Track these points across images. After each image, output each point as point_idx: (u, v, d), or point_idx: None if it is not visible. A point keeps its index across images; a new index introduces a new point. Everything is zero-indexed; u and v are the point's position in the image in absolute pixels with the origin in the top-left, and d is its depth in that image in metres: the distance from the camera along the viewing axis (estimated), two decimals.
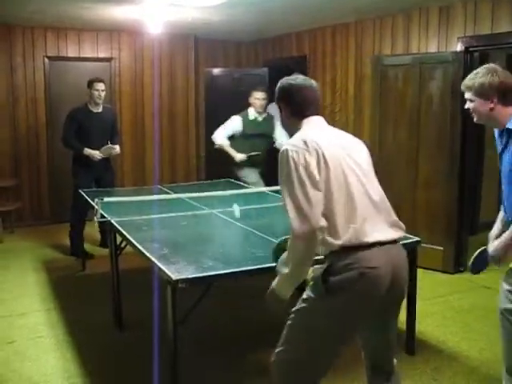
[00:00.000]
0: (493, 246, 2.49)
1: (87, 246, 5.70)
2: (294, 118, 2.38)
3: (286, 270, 2.13)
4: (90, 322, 4.09)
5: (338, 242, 2.08)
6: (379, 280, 2.09)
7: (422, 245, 3.49)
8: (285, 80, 2.43)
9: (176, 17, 6.00)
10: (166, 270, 2.80)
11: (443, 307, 4.41)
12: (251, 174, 5.86)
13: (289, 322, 2.24)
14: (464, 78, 2.61)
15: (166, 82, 7.78)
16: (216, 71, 8.04)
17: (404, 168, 5.37)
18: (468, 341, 3.78)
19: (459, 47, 5.06)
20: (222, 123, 5.84)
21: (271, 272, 2.32)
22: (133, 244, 3.42)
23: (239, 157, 5.75)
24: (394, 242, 2.22)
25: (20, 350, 3.64)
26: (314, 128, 2.31)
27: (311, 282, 2.20)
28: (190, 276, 2.75)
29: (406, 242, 3.42)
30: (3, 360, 3.50)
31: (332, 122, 6.79)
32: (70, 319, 4.14)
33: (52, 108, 7.11)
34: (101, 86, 5.58)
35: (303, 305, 2.20)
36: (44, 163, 7.18)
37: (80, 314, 4.23)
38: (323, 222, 2.09)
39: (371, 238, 2.11)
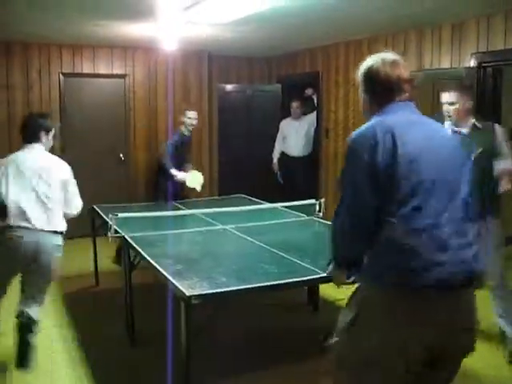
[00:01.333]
0: None
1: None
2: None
3: None
4: (103, 337, 4.10)
5: (6, 223, 3.37)
6: (20, 242, 3.34)
7: None
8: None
9: (190, 34, 6.06)
10: (180, 286, 2.81)
11: None
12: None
13: None
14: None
15: (179, 98, 7.83)
16: (229, 87, 8.12)
17: None
18: (484, 358, 3.70)
19: (472, 63, 5.05)
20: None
21: (284, 289, 2.31)
22: (147, 260, 3.43)
23: None
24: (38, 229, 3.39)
25: (33, 364, 3.65)
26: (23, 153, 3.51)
27: None
28: (203, 292, 2.76)
29: None
30: (17, 374, 3.50)
31: (346, 136, 6.80)
32: (83, 334, 4.15)
33: (67, 123, 7.17)
34: (192, 114, 6.04)
35: None
36: None
37: (93, 330, 4.24)
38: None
39: (17, 222, 3.36)
